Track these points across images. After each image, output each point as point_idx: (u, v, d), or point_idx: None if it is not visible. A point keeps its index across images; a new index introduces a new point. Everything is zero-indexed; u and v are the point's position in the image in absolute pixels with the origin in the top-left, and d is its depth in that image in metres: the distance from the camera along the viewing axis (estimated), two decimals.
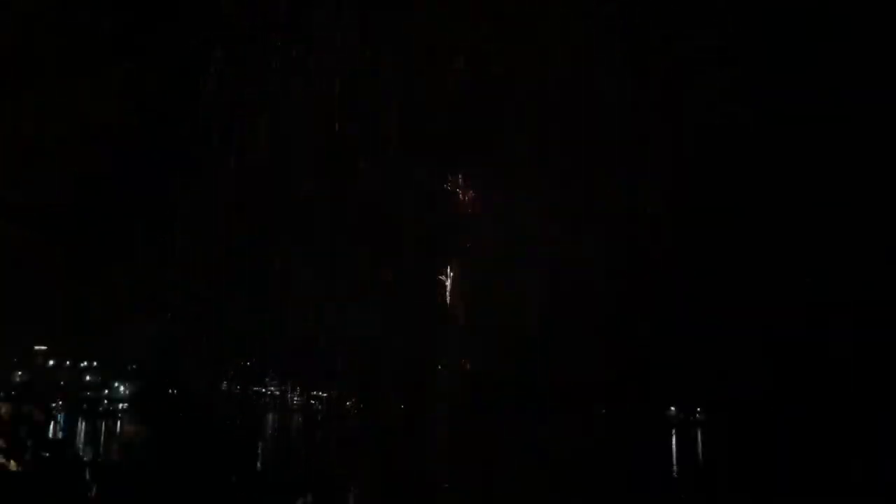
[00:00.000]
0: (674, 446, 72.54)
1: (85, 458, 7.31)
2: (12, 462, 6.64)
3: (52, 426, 8.98)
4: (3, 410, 7.81)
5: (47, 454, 6.76)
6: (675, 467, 49.68)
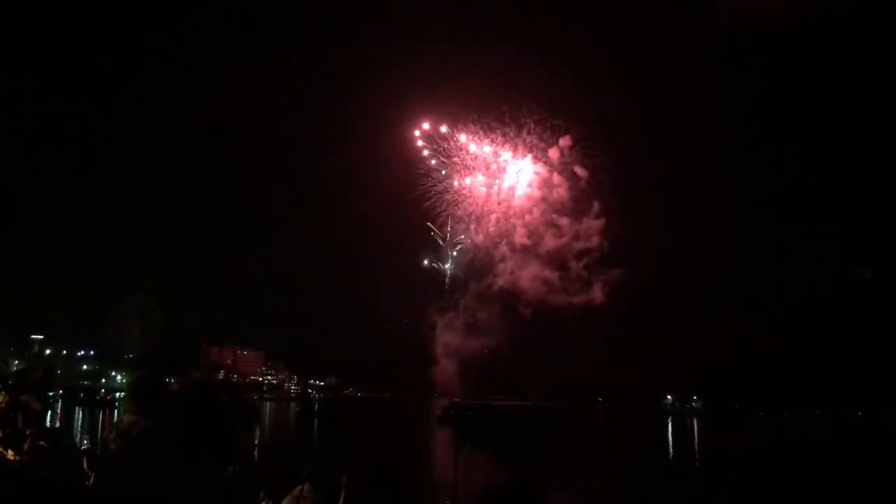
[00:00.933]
0: (670, 436, 72.52)
1: (82, 448, 7.28)
2: (9, 451, 6.61)
3: (49, 415, 8.92)
4: (0, 399, 7.77)
5: (44, 443, 6.73)
6: (670, 453, 49.89)
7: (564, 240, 66.31)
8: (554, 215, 67.75)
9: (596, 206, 66.79)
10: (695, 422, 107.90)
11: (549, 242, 67.14)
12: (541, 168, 67.29)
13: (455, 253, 70.63)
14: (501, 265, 68.43)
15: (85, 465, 6.73)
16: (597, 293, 66.05)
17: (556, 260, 67.33)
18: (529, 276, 65.76)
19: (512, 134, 71.30)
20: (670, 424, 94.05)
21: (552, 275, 65.85)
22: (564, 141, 67.99)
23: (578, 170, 66.73)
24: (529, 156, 68.61)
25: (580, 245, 65.58)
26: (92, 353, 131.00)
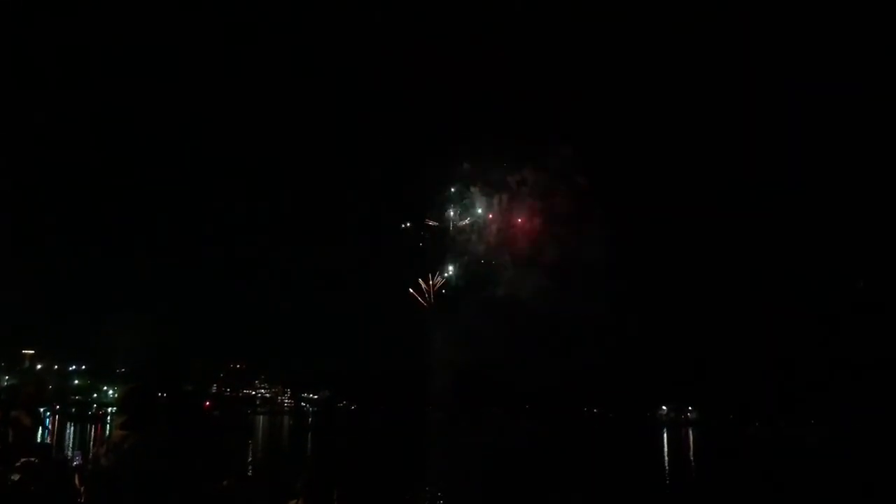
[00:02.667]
0: (665, 448, 72.33)
1: (74, 464, 7.21)
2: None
3: (40, 431, 8.83)
4: None
5: (35, 459, 6.67)
6: (666, 465, 49.83)
7: (566, 250, 66.00)
8: (556, 225, 67.39)
9: (598, 215, 66.38)
10: (690, 432, 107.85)
11: (551, 252, 66.85)
12: (543, 176, 66.99)
13: (455, 264, 70.18)
14: (502, 275, 68.16)
15: (76, 481, 6.68)
16: (597, 304, 65.74)
17: (558, 270, 66.96)
18: (530, 287, 65.44)
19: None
20: (665, 435, 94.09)
21: (553, 285, 65.54)
22: (566, 149, 67.66)
23: (580, 178, 66.27)
24: (531, 164, 68.28)
25: (582, 255, 65.28)
26: (84, 367, 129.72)
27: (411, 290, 68.69)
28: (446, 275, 66.65)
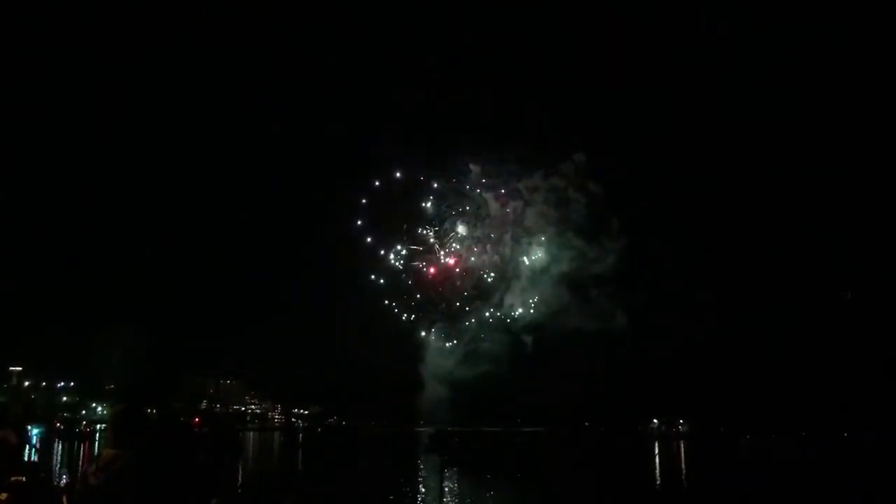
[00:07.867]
0: (657, 458, 71.94)
1: (61, 483, 7.15)
2: None
3: (26, 449, 8.74)
4: None
5: (22, 479, 6.61)
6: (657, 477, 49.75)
7: (580, 262, 64.53)
8: (570, 234, 65.80)
9: (615, 225, 64.64)
10: (681, 445, 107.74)
11: (564, 264, 65.42)
12: (556, 183, 65.34)
13: (463, 276, 68.87)
14: (512, 288, 66.76)
15: (64, 501, 6.62)
16: (613, 318, 64.34)
17: (573, 283, 65.37)
18: (541, 300, 64.06)
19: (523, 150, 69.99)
20: (657, 447, 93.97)
21: (565, 298, 64.05)
22: (579, 156, 65.95)
23: (593, 186, 64.39)
24: (542, 171, 66.65)
25: (596, 268, 63.76)
26: (72, 383, 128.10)
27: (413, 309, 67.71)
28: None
